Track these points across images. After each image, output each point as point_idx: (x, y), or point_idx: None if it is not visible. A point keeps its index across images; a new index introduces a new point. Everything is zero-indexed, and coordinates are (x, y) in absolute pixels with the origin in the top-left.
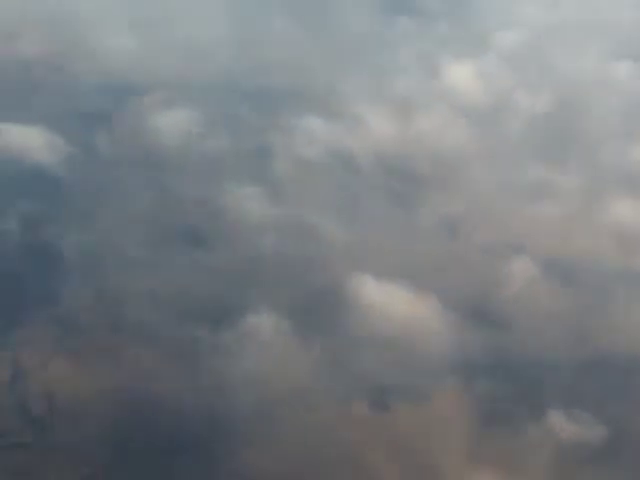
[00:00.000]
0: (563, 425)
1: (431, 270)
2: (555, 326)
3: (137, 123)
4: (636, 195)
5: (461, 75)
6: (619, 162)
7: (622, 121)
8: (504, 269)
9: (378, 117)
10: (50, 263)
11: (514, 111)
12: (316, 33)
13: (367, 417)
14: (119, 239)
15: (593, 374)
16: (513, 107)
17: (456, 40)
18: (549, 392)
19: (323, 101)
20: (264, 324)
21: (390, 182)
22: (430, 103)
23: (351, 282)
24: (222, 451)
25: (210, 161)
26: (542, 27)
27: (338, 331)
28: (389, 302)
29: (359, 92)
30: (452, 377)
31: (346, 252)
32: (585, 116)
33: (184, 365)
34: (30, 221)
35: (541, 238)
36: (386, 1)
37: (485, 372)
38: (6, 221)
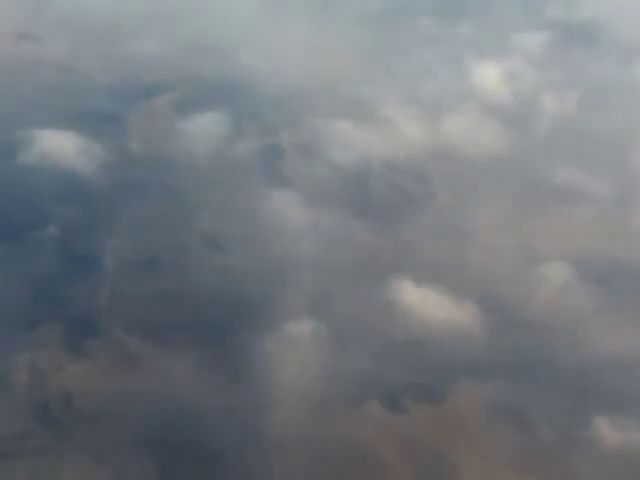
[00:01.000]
0: (608, 432)
1: (466, 274)
2: (591, 329)
3: (167, 126)
4: None
5: (488, 76)
6: None
7: None
8: (538, 273)
9: (407, 119)
10: (80, 267)
11: (541, 112)
12: (341, 34)
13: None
14: (146, 242)
15: (633, 378)
16: (540, 108)
17: (480, 41)
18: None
19: (352, 104)
20: (304, 330)
21: (421, 185)
22: (458, 105)
23: (389, 287)
24: (236, 452)
25: (240, 165)
26: (565, 28)
27: (377, 336)
28: (428, 306)
29: (387, 94)
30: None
31: (381, 256)
32: (613, 118)
33: (203, 368)
34: (68, 226)
35: (574, 242)
36: (408, 2)
37: (516, 376)
38: (45, 227)
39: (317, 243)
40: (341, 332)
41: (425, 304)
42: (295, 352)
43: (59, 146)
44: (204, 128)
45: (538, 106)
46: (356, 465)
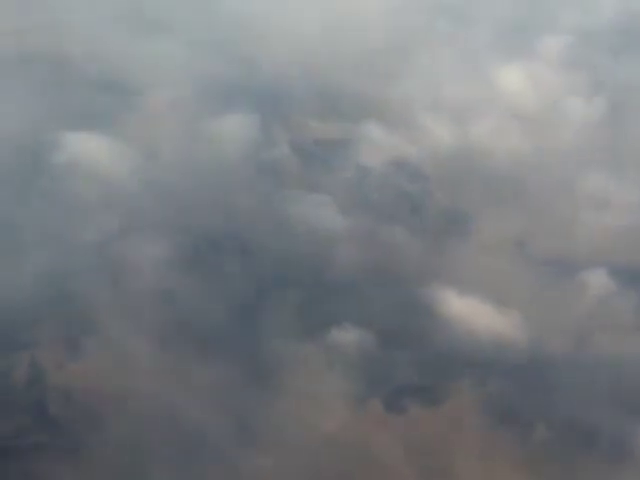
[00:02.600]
0: None
1: (506, 283)
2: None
3: (197, 128)
4: None
5: (512, 80)
6: None
7: None
8: (579, 281)
9: (435, 123)
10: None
11: (566, 117)
12: (365, 37)
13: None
14: (179, 244)
15: None
16: (565, 112)
17: (501, 45)
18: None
19: (380, 107)
20: (347, 337)
21: (452, 191)
22: (484, 109)
23: (433, 295)
24: (241, 453)
25: (271, 168)
26: (586, 31)
27: (422, 345)
28: (472, 316)
29: (414, 98)
30: None
31: (421, 263)
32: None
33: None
34: (106, 232)
35: (611, 249)
36: (429, 6)
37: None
38: (84, 234)
39: (353, 248)
40: (384, 340)
41: (469, 313)
42: (338, 359)
43: (89, 149)
44: (233, 130)
45: (564, 110)
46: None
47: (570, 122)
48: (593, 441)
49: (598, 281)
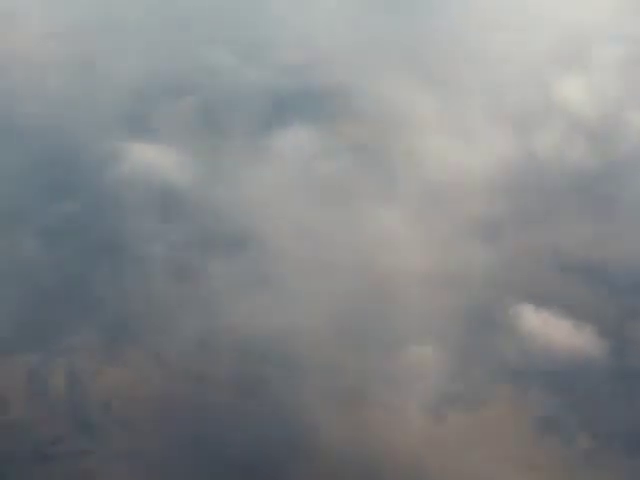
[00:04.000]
0: None
1: (584, 297)
2: None
3: (256, 140)
4: None
5: (571, 89)
6: None
7: None
8: None
9: (497, 133)
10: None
11: (628, 126)
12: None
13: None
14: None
15: None
16: (626, 122)
17: (558, 55)
18: None
19: (440, 117)
20: (425, 354)
21: (519, 200)
22: (545, 118)
23: (509, 310)
24: (280, 460)
25: (336, 181)
26: None
27: (499, 361)
28: (549, 331)
29: (474, 108)
30: None
31: (495, 276)
32: None
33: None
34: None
35: None
36: (484, 17)
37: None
38: (152, 244)
39: (428, 260)
40: (462, 355)
41: (545, 328)
42: (415, 375)
43: (151, 159)
44: (294, 144)
45: (624, 121)
46: None
47: (631, 132)
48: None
49: None
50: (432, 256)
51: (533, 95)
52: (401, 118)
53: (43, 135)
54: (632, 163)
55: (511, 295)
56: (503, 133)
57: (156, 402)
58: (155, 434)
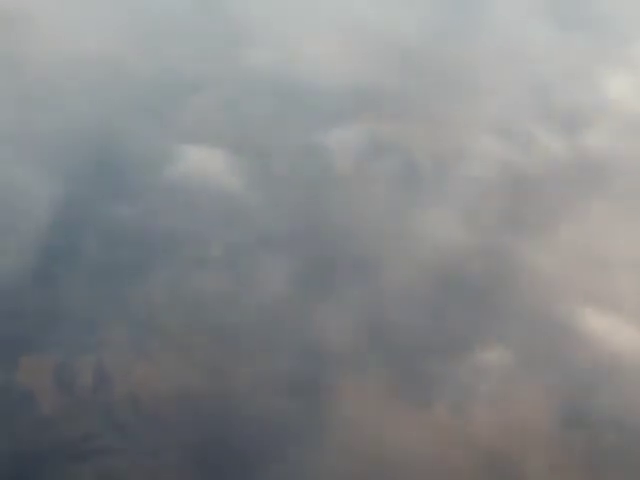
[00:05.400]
0: None
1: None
2: None
3: (308, 142)
4: None
5: (620, 89)
6: None
7: None
8: None
9: (546, 133)
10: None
11: None
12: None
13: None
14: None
15: None
16: None
17: (604, 53)
18: None
19: (490, 117)
20: (492, 358)
21: (572, 200)
22: (595, 119)
23: (572, 313)
24: (304, 456)
25: (385, 182)
26: None
27: (564, 365)
28: (613, 335)
29: (523, 107)
30: None
31: (552, 279)
32: None
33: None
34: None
35: None
36: (526, 14)
37: None
38: (211, 250)
39: (481, 263)
40: (528, 361)
41: (611, 333)
42: (483, 381)
43: (205, 162)
44: (342, 143)
45: None
46: None
47: None
48: None
49: None
50: (486, 257)
51: (583, 93)
52: (448, 118)
53: (93, 137)
54: None
55: (574, 297)
56: (552, 132)
57: (186, 400)
58: (185, 431)
